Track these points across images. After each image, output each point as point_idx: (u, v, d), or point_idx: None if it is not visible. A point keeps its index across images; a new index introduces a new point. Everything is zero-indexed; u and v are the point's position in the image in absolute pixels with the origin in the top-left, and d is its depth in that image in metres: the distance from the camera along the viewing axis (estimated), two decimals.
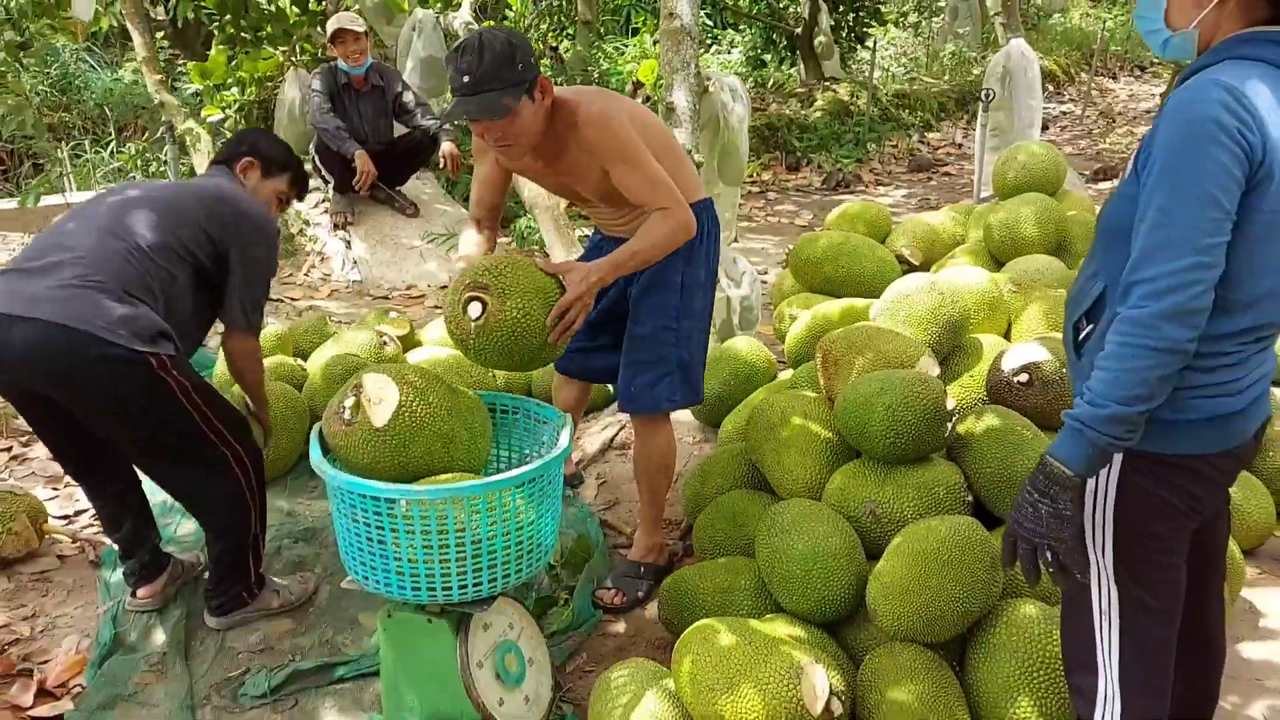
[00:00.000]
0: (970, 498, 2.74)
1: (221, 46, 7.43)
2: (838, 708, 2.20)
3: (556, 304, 2.40)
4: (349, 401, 2.32)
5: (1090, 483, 1.82)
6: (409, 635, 2.42)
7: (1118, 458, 1.77)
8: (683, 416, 3.93)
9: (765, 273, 6.26)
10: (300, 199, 3.14)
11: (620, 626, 2.96)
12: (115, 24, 9.21)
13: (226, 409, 2.75)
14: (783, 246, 6.45)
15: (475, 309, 2.31)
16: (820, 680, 2.19)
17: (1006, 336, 3.44)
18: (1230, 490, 2.08)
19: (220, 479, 2.73)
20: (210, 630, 2.88)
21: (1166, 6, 1.72)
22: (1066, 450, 1.71)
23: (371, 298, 5.63)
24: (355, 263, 5.94)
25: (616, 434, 3.87)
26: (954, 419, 2.77)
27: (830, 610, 2.53)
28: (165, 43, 9.64)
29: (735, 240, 4.67)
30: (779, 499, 2.97)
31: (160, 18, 9.40)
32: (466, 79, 2.42)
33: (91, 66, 10.57)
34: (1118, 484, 1.80)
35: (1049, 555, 1.78)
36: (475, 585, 2.27)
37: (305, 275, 5.92)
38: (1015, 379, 2.95)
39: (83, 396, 2.49)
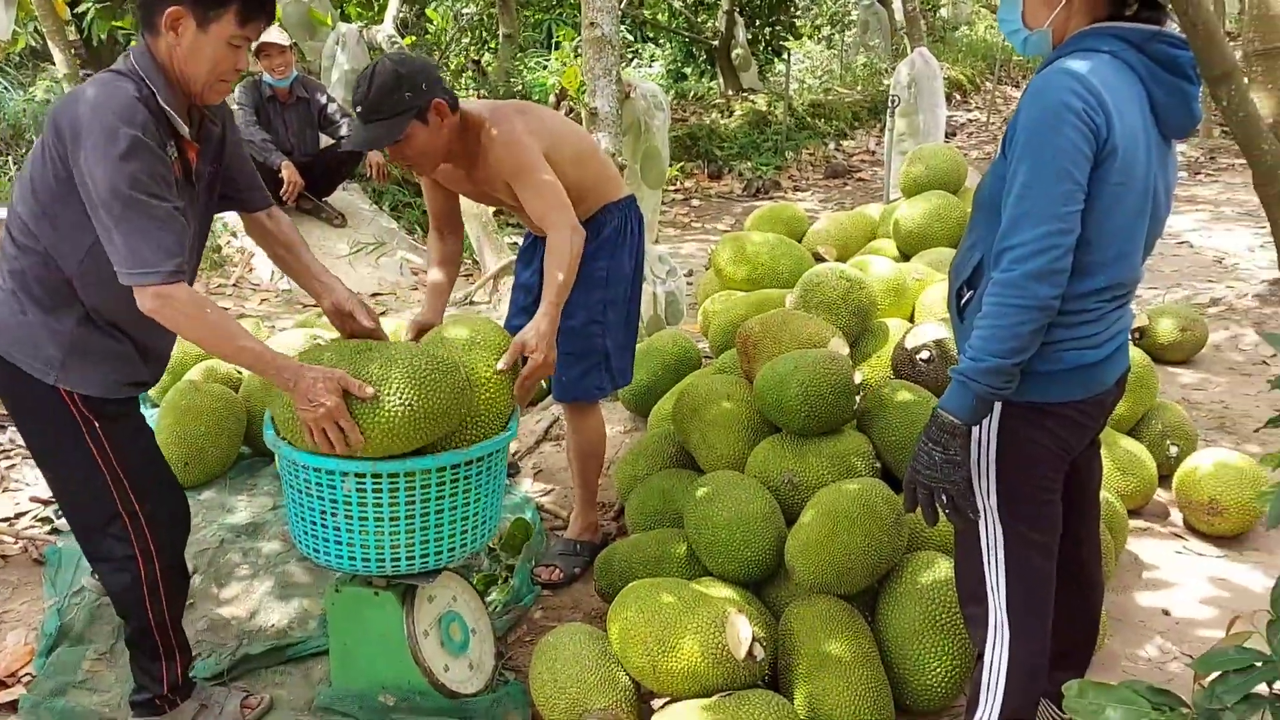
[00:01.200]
0: (878, 464, 2.97)
1: None
2: (760, 653, 2.40)
3: (521, 376, 2.51)
4: None
5: (974, 432, 2.04)
6: (357, 608, 2.55)
7: (998, 408, 2.00)
8: (614, 409, 4.12)
9: (690, 274, 6.49)
10: (261, 28, 2.20)
11: (558, 600, 3.12)
12: (31, 44, 9.11)
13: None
14: (707, 249, 6.68)
15: None
16: (744, 629, 2.38)
17: (911, 320, 3.69)
18: (1104, 445, 2.33)
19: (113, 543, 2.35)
20: None
21: (1022, 9, 1.96)
22: (954, 401, 1.93)
23: (302, 306, 5.71)
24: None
25: (550, 426, 4.03)
26: (862, 393, 2.99)
27: (753, 570, 2.73)
28: (78, 62, 9.55)
29: (656, 241, 4.88)
30: (705, 475, 3.16)
31: (74, 38, 9.32)
32: (359, 109, 2.64)
33: (5, 87, 10.41)
34: (998, 431, 2.03)
35: (944, 498, 1.99)
36: (422, 558, 2.41)
37: (234, 285, 5.97)
38: (917, 356, 3.19)
39: None
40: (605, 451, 3.31)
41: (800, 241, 5.07)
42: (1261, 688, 1.32)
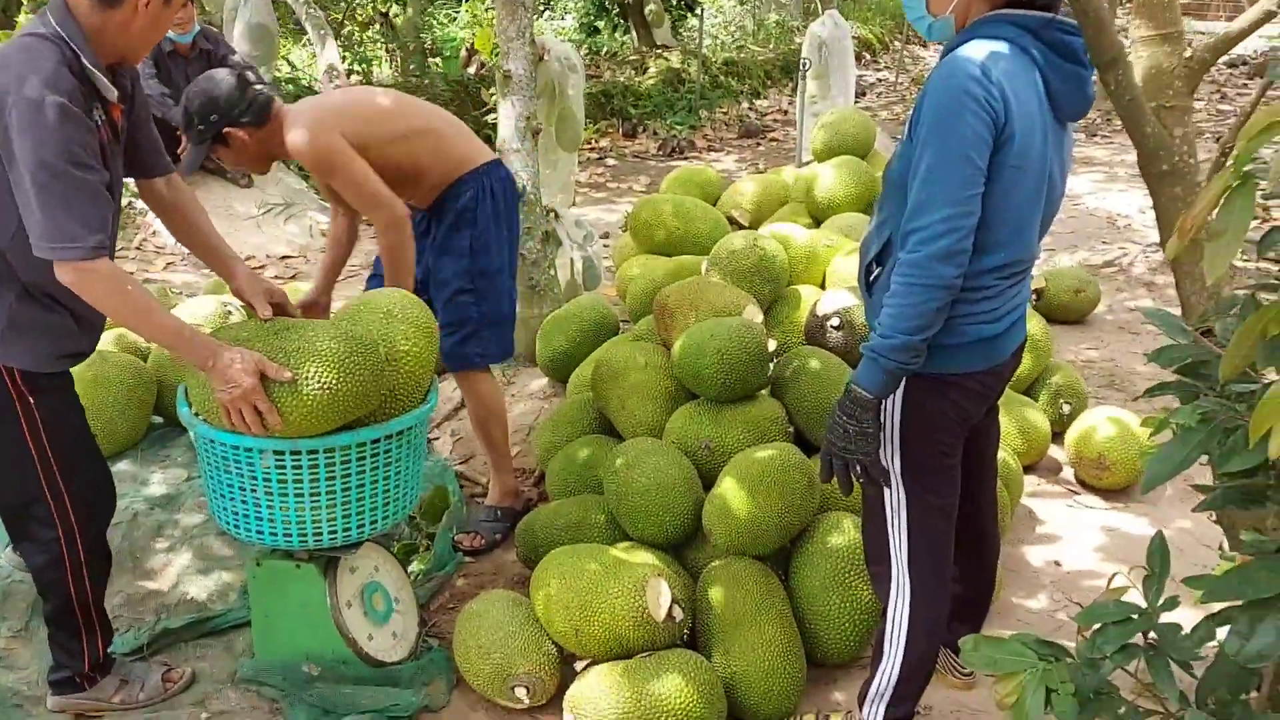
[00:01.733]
0: (791, 429, 3.07)
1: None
2: (679, 614, 2.49)
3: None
4: None
5: (883, 403, 2.13)
6: (278, 580, 2.56)
7: (903, 380, 2.10)
8: (533, 375, 4.15)
9: (607, 236, 6.51)
10: None
11: (480, 567, 3.17)
12: None
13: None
14: (623, 210, 6.70)
15: None
16: (663, 592, 2.47)
17: (822, 287, 3.79)
18: (1001, 407, 2.46)
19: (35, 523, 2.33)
20: None
21: None
22: (865, 377, 2.02)
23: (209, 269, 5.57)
24: None
25: None
26: (776, 360, 3.08)
27: (672, 534, 2.81)
28: None
29: (574, 204, 4.89)
30: (624, 442, 3.23)
31: None
32: (176, 132, 2.87)
33: None
34: (903, 402, 2.13)
35: (858, 468, 2.08)
36: (344, 531, 2.43)
37: (138, 248, 5.80)
38: (828, 324, 3.29)
39: None
40: (505, 414, 3.38)
41: (715, 205, 5.14)
42: (1137, 638, 1.44)
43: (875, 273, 2.15)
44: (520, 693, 2.49)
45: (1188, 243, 1.27)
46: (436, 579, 3.04)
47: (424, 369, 2.48)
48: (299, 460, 2.32)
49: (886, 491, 2.21)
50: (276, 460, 2.31)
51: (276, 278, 5.60)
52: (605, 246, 5.96)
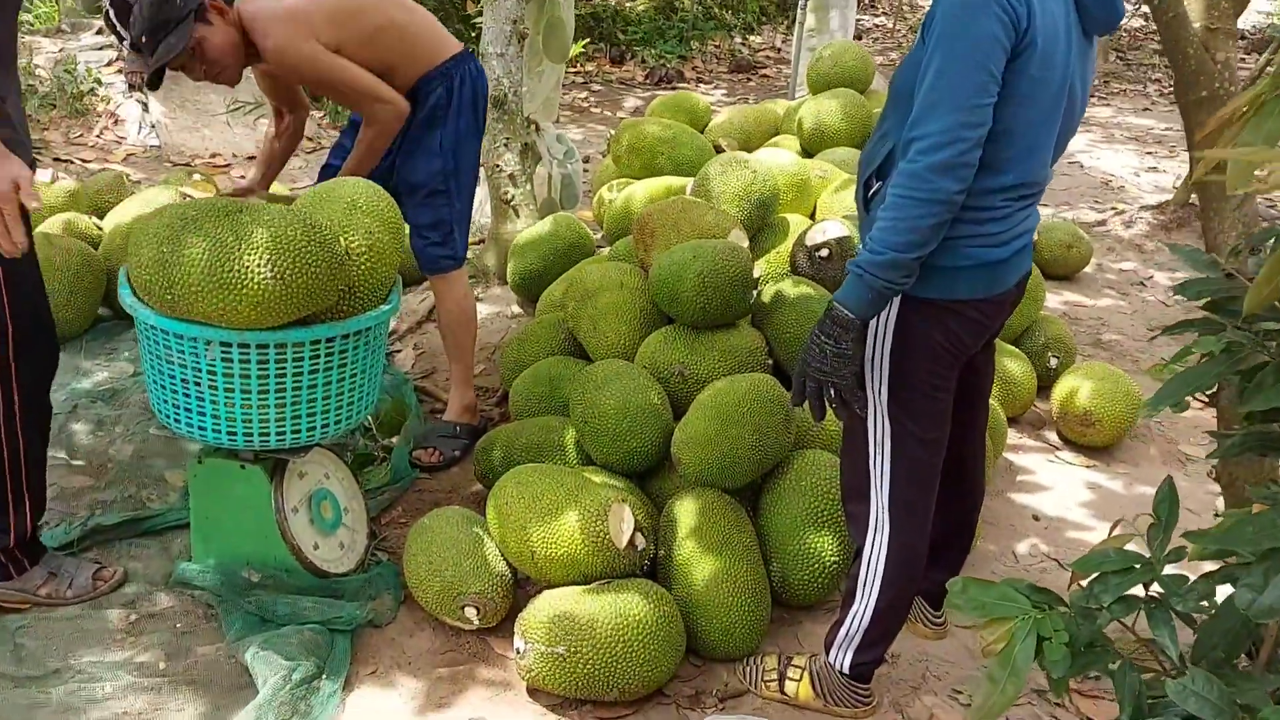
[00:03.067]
0: (770, 361, 2.94)
1: None
2: (641, 542, 2.36)
3: None
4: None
5: (871, 326, 2.00)
6: (221, 481, 2.42)
7: (896, 301, 1.96)
8: (503, 294, 3.98)
9: (587, 160, 6.30)
10: None
11: (436, 484, 3.03)
12: None
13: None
14: (605, 136, 6.49)
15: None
16: (626, 518, 2.35)
17: (812, 219, 3.64)
18: (995, 347, 2.34)
19: None
20: None
21: None
22: (848, 294, 1.88)
23: (171, 164, 5.34)
24: (153, 126, 5.59)
25: (434, 307, 3.87)
26: (759, 287, 2.94)
27: (638, 460, 2.69)
28: None
29: (556, 120, 4.68)
30: (594, 363, 3.09)
31: None
32: (139, 39, 2.54)
33: None
34: (895, 325, 2.00)
35: (832, 392, 1.96)
36: (293, 433, 2.28)
37: (98, 137, 5.54)
38: (817, 254, 3.14)
39: None
40: (476, 324, 3.25)
41: (703, 133, 4.96)
42: (1137, 590, 1.33)
43: (875, 188, 2.01)
44: (470, 613, 2.37)
45: (1211, 168, 1.14)
46: (390, 493, 2.90)
47: (387, 267, 2.32)
48: (246, 354, 2.15)
49: (870, 422, 2.09)
50: (222, 352, 2.15)
51: (241, 177, 5.37)
52: (585, 171, 5.76)
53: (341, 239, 2.18)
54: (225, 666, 2.23)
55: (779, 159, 3.66)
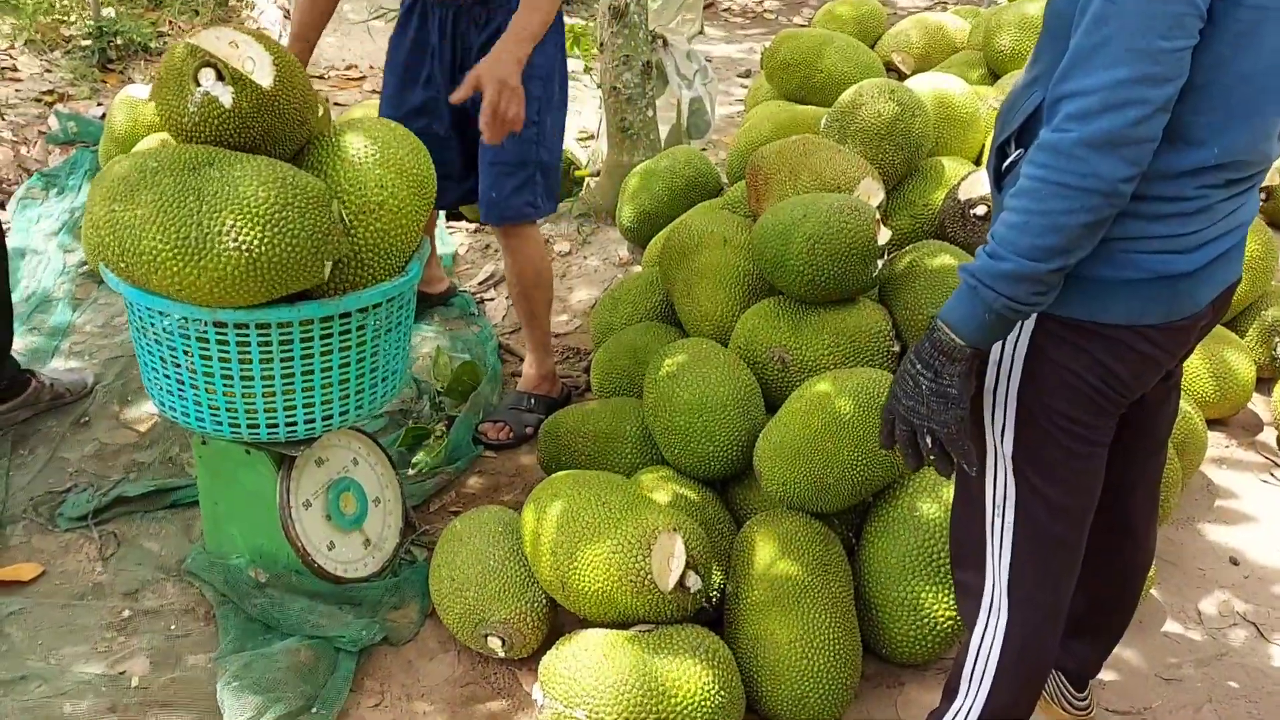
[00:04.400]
0: (897, 348, 2.37)
1: None
2: (695, 583, 1.91)
3: (484, 106, 2.17)
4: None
5: (995, 350, 1.45)
6: (227, 466, 2.13)
7: (1028, 322, 1.40)
8: (612, 236, 3.53)
9: (748, 75, 5.69)
10: None
11: (500, 464, 2.66)
12: None
13: None
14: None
15: (209, 79, 1.73)
16: (676, 552, 1.89)
17: (977, 163, 2.98)
18: (1182, 370, 1.71)
19: None
20: (44, 436, 2.59)
21: None
22: (957, 312, 1.34)
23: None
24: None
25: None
26: (886, 256, 2.37)
27: (714, 467, 2.22)
28: None
29: (700, 32, 4.11)
30: (688, 334, 2.61)
31: None
32: None
33: None
34: (1026, 354, 1.45)
35: (928, 441, 1.43)
36: (288, 425, 1.94)
37: None
38: (972, 211, 2.52)
39: None
40: (552, 282, 2.83)
41: (874, 48, 4.27)
42: None
43: (1012, 156, 1.43)
44: (494, 643, 2.00)
45: None
46: (443, 475, 2.55)
47: (404, 230, 1.91)
48: (224, 334, 1.81)
49: (990, 478, 1.55)
50: (198, 331, 1.82)
51: (373, 92, 5.09)
52: (744, 88, 5.17)
53: (336, 201, 1.78)
54: (208, 688, 1.95)
55: (941, 85, 2.99)
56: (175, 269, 1.66)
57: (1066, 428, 1.47)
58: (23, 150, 3.93)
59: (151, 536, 2.34)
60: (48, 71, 4.54)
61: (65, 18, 4.97)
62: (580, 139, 4.40)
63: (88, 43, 4.82)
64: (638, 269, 3.37)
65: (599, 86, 3.62)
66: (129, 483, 2.46)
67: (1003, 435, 1.51)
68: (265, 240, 1.66)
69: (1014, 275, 1.29)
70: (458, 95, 2.22)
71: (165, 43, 5.02)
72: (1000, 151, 1.45)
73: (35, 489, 2.45)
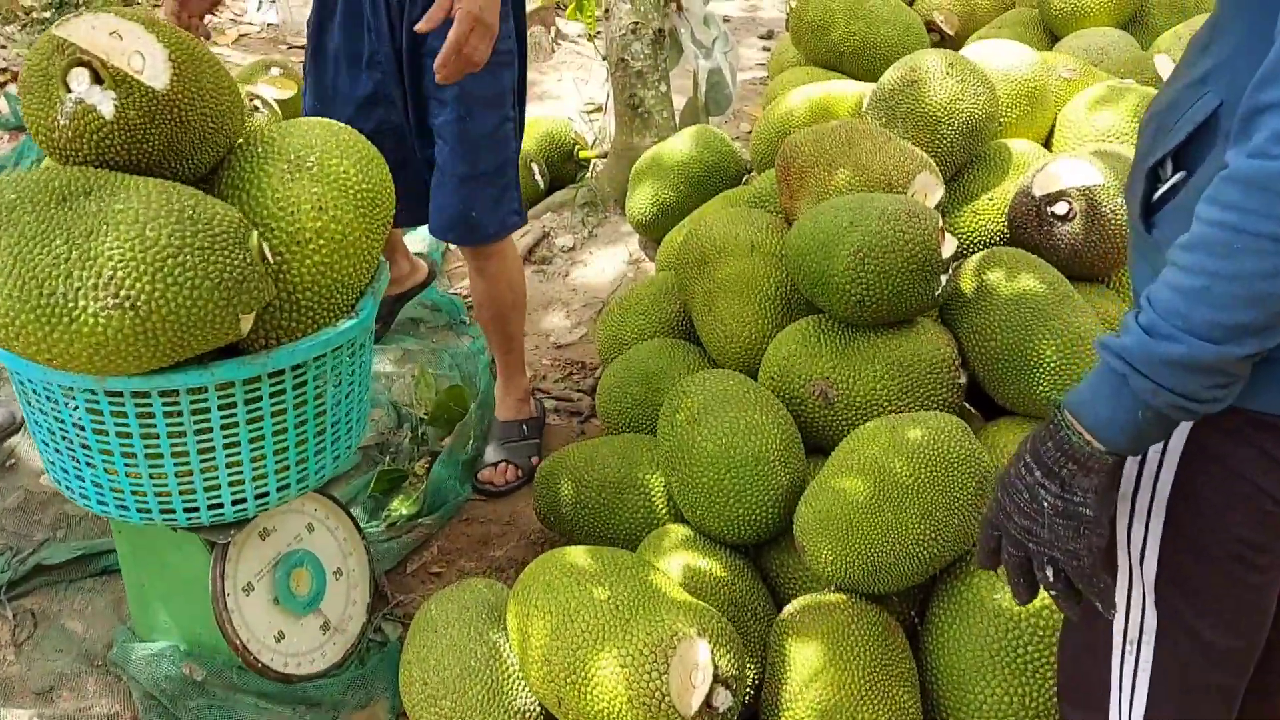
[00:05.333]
0: (963, 379, 1.97)
1: None
2: (725, 700, 1.52)
3: (449, 39, 1.74)
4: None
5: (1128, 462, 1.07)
6: (149, 544, 1.76)
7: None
8: (621, 228, 3.12)
9: (770, 36, 5.22)
10: None
11: (493, 510, 2.28)
12: None
13: None
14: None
15: (82, 82, 1.33)
16: (700, 662, 1.51)
17: (1048, 144, 2.54)
18: None
19: None
20: None
21: None
22: (1097, 406, 0.96)
23: (287, 47, 4.68)
24: (274, 1, 4.95)
25: (536, 244, 3.06)
26: (952, 270, 1.95)
27: (745, 532, 1.83)
28: None
29: None
30: (710, 358, 2.21)
31: None
32: None
33: None
34: (1183, 453, 1.05)
35: (1049, 572, 1.04)
36: (211, 507, 1.56)
37: (212, 15, 4.94)
38: (1050, 209, 2.09)
39: None
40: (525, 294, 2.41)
41: (912, 6, 3.81)
42: None
43: (1171, 181, 1.02)
44: None
45: None
46: (421, 529, 2.17)
47: (350, 262, 1.52)
48: (120, 405, 1.42)
49: (1123, 603, 1.16)
50: (88, 401, 1.43)
51: None
52: (765, 51, 4.71)
53: (255, 233, 1.38)
54: None
55: (1001, 54, 2.54)
56: (38, 335, 1.26)
57: (1235, 551, 1.07)
58: None
59: (76, 614, 1.98)
60: (1, 48, 4.13)
61: None
62: (587, 112, 3.98)
63: (48, 15, 4.41)
64: (650, 267, 2.96)
65: (603, 59, 3.18)
66: (53, 545, 2.09)
67: (1142, 554, 1.12)
68: (157, 294, 1.27)
69: (1186, 362, 0.89)
70: (424, 25, 1.77)
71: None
72: (1151, 174, 1.04)
73: None
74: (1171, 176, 1.02)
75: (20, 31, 4.33)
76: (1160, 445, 1.07)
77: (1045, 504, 1.02)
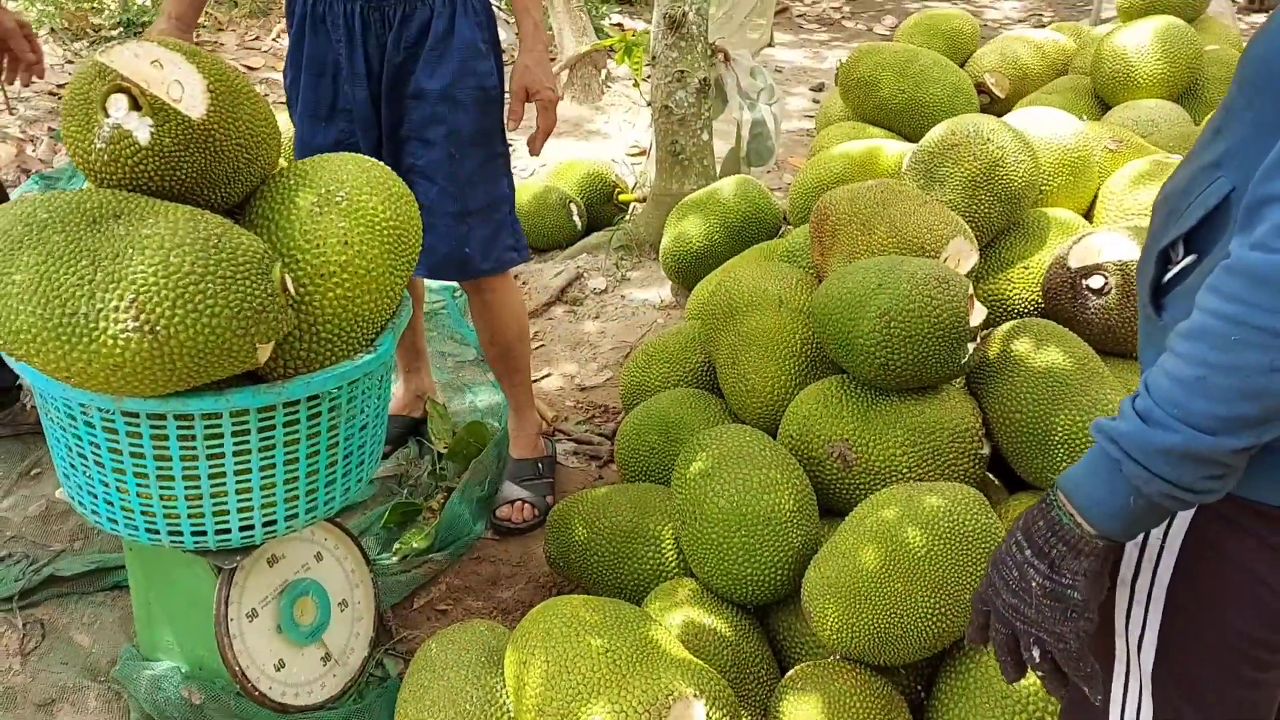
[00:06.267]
0: (986, 450, 1.93)
1: None
2: None
3: (541, 128, 2.10)
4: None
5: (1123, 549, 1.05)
6: (159, 564, 1.76)
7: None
8: (655, 274, 3.12)
9: (821, 89, 5.23)
10: None
11: (505, 549, 2.27)
12: None
13: None
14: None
15: (120, 108, 1.35)
16: None
17: (1088, 216, 2.51)
18: None
19: None
20: None
21: None
22: (1089, 489, 0.95)
23: None
24: None
25: (569, 284, 3.07)
26: (981, 337, 1.93)
27: (753, 592, 1.80)
28: None
29: (770, 44, 3.68)
30: (731, 411, 2.20)
31: None
32: None
33: None
34: (1184, 541, 1.04)
35: (1036, 653, 1.02)
36: (219, 533, 1.56)
37: (274, 41, 5.06)
38: (1085, 281, 2.06)
39: None
40: (529, 331, 2.43)
41: (964, 66, 3.81)
42: None
43: (1180, 263, 1.01)
44: None
45: None
46: (431, 563, 2.16)
47: (372, 297, 1.53)
48: (136, 425, 1.44)
49: (1118, 697, 1.13)
50: (104, 420, 1.44)
51: None
52: (815, 103, 4.72)
53: (280, 266, 1.40)
54: None
55: (1049, 122, 2.52)
56: (59, 352, 1.28)
57: (1236, 646, 1.04)
58: (28, 149, 3.63)
59: (83, 627, 1.99)
60: (69, 63, 4.25)
61: (96, 5, 4.69)
62: (631, 155, 4.00)
63: (115, 33, 4.54)
64: (681, 315, 2.96)
65: (648, 104, 3.21)
66: (68, 556, 2.11)
67: (1140, 642, 1.09)
68: (177, 319, 1.28)
69: (1180, 452, 0.87)
70: (511, 117, 2.05)
71: (198, 36, 4.71)
72: (1162, 256, 1.02)
73: None
74: (1182, 259, 1.00)
75: (88, 48, 4.45)
76: (1162, 530, 1.04)
77: (1033, 584, 1.00)
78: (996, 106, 3.55)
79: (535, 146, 2.09)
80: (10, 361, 1.44)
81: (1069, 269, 2.08)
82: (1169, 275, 1.02)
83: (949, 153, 2.27)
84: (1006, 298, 2.27)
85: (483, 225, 2.11)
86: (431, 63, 1.98)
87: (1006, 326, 2.03)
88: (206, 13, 4.98)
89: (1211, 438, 0.86)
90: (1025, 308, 2.25)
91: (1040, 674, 1.04)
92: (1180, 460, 0.88)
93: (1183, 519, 1.03)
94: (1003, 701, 1.60)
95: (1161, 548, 1.05)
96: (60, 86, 4.12)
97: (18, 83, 2.17)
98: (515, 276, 2.44)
